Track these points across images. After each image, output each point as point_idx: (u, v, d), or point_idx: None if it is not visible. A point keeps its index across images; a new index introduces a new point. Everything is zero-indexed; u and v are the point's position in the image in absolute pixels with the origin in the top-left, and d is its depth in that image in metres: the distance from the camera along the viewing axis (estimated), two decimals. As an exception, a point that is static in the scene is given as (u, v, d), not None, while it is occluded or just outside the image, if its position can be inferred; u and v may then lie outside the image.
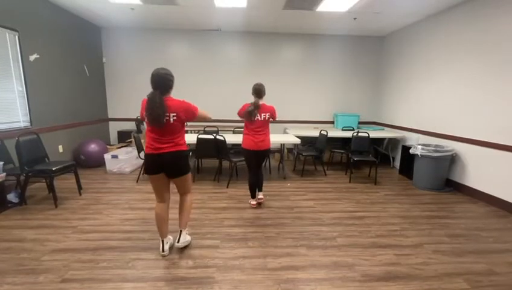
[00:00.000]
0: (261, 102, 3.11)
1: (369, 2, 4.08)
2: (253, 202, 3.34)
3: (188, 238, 2.43)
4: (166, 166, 2.16)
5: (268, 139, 3.23)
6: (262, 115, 3.10)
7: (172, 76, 2.12)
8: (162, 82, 2.06)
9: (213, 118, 2.56)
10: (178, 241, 2.32)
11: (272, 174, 4.81)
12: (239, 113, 3.21)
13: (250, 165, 3.33)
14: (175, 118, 2.08)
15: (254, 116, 3.07)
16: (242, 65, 6.08)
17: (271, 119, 3.19)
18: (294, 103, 6.31)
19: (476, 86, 3.77)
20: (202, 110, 2.27)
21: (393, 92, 5.74)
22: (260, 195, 3.41)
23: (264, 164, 3.32)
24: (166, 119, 2.05)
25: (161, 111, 2.00)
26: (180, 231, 2.35)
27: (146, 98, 2.08)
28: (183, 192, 2.37)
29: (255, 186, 3.34)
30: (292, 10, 4.50)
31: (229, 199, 3.59)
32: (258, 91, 3.10)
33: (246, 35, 5.96)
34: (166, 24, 5.49)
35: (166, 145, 2.11)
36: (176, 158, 2.16)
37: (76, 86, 5.05)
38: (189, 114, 2.16)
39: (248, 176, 3.36)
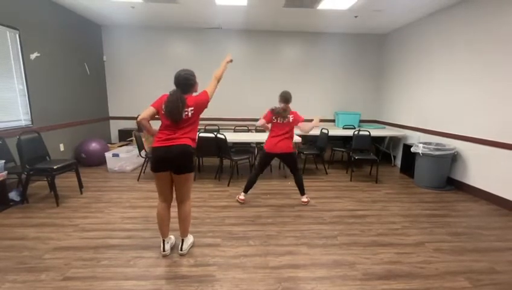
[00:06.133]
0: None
1: (370, 0, 4.05)
2: (242, 197, 3.39)
3: (191, 240, 2.42)
4: (174, 160, 2.14)
5: (291, 143, 3.31)
6: (291, 117, 3.25)
7: (193, 75, 2.26)
8: (182, 82, 2.20)
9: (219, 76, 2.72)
10: (181, 249, 2.28)
11: (272, 172, 4.81)
12: (265, 118, 3.27)
13: (262, 166, 3.38)
14: (193, 112, 2.20)
15: (285, 119, 3.20)
16: (243, 63, 6.05)
17: (297, 122, 3.28)
18: (295, 101, 6.12)
19: (477, 85, 3.75)
20: (209, 89, 2.40)
21: (394, 90, 5.72)
22: (304, 198, 3.43)
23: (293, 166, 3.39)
24: (186, 114, 2.17)
25: (181, 106, 2.12)
26: (182, 239, 2.32)
27: (167, 93, 2.21)
28: (182, 197, 2.28)
29: (252, 184, 3.40)
30: (293, 8, 4.48)
31: (230, 197, 3.59)
32: (286, 98, 3.27)
33: (246, 33, 5.94)
34: (166, 22, 5.48)
35: (178, 139, 2.15)
36: (184, 152, 2.15)
37: (77, 85, 5.05)
38: (201, 105, 2.26)
39: (250, 174, 3.41)
